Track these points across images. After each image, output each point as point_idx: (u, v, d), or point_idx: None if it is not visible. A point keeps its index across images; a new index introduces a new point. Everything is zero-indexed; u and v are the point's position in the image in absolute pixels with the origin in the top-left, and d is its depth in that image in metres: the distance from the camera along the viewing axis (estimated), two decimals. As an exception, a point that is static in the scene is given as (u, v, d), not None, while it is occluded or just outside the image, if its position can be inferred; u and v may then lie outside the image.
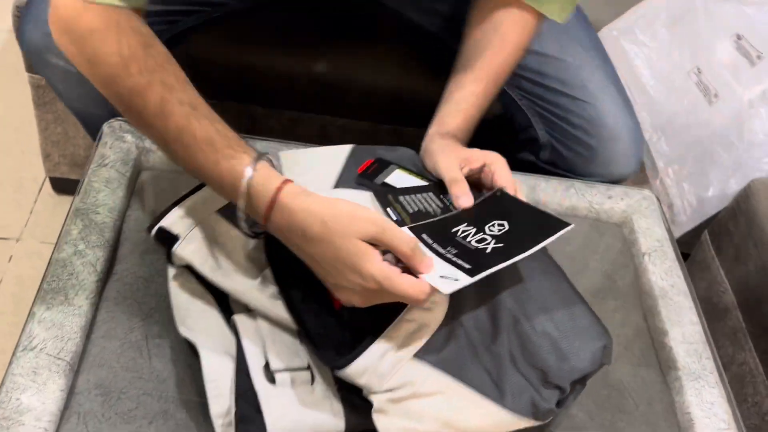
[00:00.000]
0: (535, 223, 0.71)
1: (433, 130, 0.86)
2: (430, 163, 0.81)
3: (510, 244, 0.66)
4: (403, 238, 0.61)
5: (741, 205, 1.15)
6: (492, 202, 0.75)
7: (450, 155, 0.80)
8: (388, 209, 0.74)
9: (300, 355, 0.69)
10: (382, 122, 1.24)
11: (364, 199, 0.75)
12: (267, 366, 0.67)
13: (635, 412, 0.79)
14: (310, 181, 0.70)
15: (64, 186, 1.44)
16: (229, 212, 0.72)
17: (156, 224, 0.72)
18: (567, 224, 0.69)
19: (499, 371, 0.67)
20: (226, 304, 0.73)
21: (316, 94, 1.19)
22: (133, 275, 0.79)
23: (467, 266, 0.63)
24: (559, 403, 0.69)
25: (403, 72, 1.17)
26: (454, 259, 0.65)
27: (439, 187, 0.80)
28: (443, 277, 0.62)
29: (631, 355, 0.84)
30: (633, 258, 0.96)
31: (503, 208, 0.74)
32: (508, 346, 0.68)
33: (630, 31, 1.37)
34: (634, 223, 0.98)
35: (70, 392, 0.68)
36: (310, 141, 0.92)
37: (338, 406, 0.66)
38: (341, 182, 0.79)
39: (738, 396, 1.09)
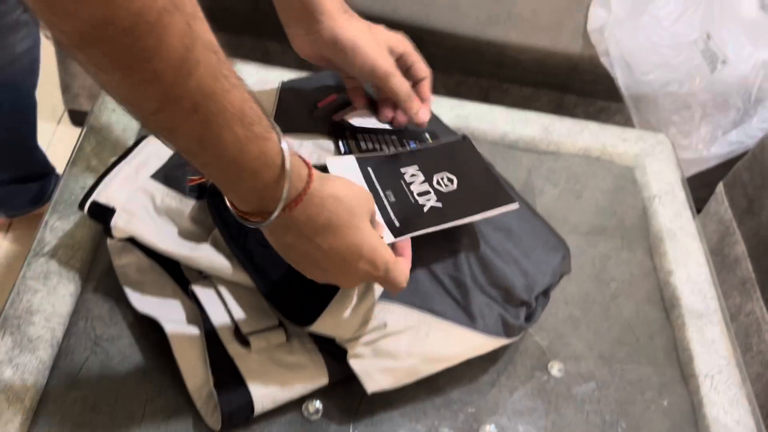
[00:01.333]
0: (482, 189, 0.68)
1: (333, 6, 0.67)
2: (356, 64, 0.66)
3: (449, 207, 0.65)
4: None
5: (757, 157, 1.14)
6: (451, 149, 0.72)
7: (379, 49, 0.66)
8: (340, 142, 0.72)
9: (269, 313, 0.66)
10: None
11: (313, 142, 0.72)
12: (237, 330, 0.64)
13: (635, 344, 0.79)
14: None
15: (83, 119, 1.45)
16: (164, 175, 0.68)
17: (88, 199, 0.65)
18: (513, 201, 0.67)
19: (465, 297, 0.67)
20: (178, 273, 0.68)
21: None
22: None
23: (396, 223, 0.62)
24: (528, 318, 0.70)
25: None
26: (389, 209, 0.63)
27: (398, 131, 0.75)
28: None
29: (635, 291, 0.84)
30: (643, 200, 0.95)
31: (460, 158, 0.71)
32: (470, 272, 0.68)
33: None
34: (647, 166, 0.98)
35: (80, 297, 0.70)
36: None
37: (318, 357, 0.65)
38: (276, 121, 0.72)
39: (743, 345, 1.09)
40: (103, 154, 0.81)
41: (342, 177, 0.56)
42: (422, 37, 1.20)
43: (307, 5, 0.65)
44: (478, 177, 0.69)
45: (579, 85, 1.25)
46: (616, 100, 1.25)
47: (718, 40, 1.15)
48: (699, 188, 1.30)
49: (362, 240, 0.54)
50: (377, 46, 0.66)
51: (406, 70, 0.71)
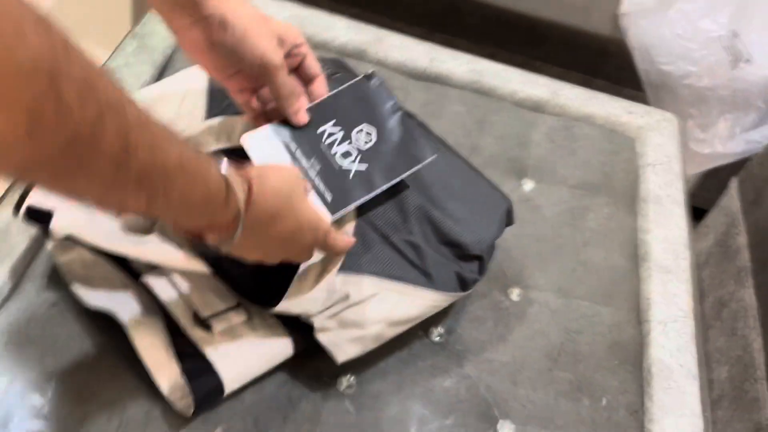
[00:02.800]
0: (402, 143, 0.68)
1: None
2: (246, 49, 0.62)
3: (374, 169, 0.66)
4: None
5: (772, 153, 1.15)
6: (364, 91, 0.70)
7: (270, 38, 0.63)
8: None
9: (226, 295, 0.67)
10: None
11: (237, 123, 0.72)
12: (196, 316, 0.65)
13: (596, 286, 0.83)
14: (182, 115, 0.70)
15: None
16: None
17: (22, 204, 0.64)
18: (432, 153, 0.68)
19: (421, 258, 0.70)
20: (127, 265, 0.68)
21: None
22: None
23: (328, 198, 0.65)
24: (480, 271, 0.73)
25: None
26: (317, 182, 0.65)
27: None
28: None
29: (608, 243, 0.88)
30: (637, 167, 0.99)
31: (373, 101, 0.69)
32: (422, 233, 0.71)
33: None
34: (648, 138, 1.01)
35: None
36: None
37: (281, 330, 0.67)
38: (212, 112, 0.74)
39: (729, 330, 1.10)
40: (142, 56, 0.91)
41: (270, 165, 0.59)
42: (457, 6, 1.27)
43: None
44: (395, 127, 0.69)
45: (608, 70, 1.29)
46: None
47: (746, 38, 1.17)
48: (713, 184, 1.32)
49: (302, 216, 0.58)
50: (268, 36, 0.63)
51: (297, 67, 0.68)
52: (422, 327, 0.75)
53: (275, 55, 0.63)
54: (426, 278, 0.69)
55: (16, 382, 0.63)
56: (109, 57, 0.91)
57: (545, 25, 1.26)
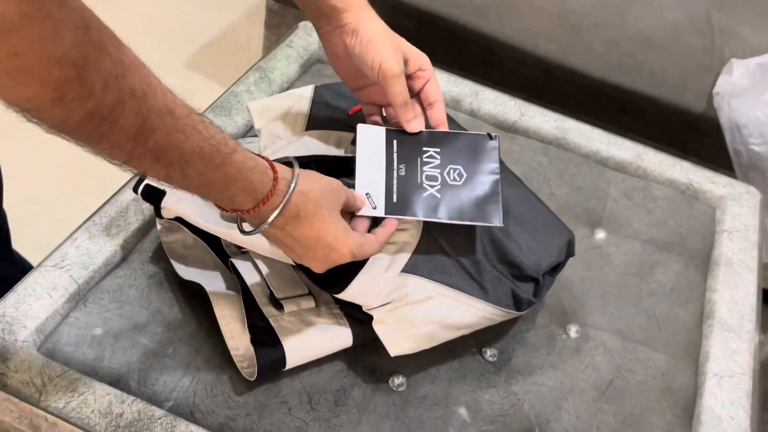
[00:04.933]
0: (481, 198, 0.73)
1: (358, 3, 0.72)
2: (368, 55, 0.69)
3: (444, 203, 0.71)
4: (351, 195, 0.68)
5: None
6: (476, 142, 0.75)
7: (394, 50, 0.70)
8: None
9: (299, 283, 0.75)
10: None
11: (336, 136, 0.81)
12: (272, 296, 0.73)
13: (656, 334, 0.85)
14: (282, 127, 0.79)
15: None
16: None
17: (142, 182, 0.73)
18: (500, 222, 0.72)
19: (479, 271, 0.74)
20: (220, 250, 0.78)
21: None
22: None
23: (394, 199, 0.70)
24: (536, 294, 0.77)
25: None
26: (393, 182, 0.71)
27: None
28: (368, 195, 0.70)
29: (674, 296, 0.90)
30: (714, 232, 1.00)
31: (479, 156, 0.74)
32: (483, 250, 0.75)
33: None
34: (728, 207, 1.03)
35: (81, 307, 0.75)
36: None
37: (344, 321, 0.74)
38: (310, 124, 0.83)
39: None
40: (262, 85, 1.03)
41: (312, 172, 0.64)
42: (555, 73, 1.35)
43: (333, 4, 0.71)
44: (485, 183, 0.73)
45: (698, 148, 1.31)
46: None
47: None
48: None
49: (327, 229, 0.62)
50: (392, 47, 0.70)
51: (420, 90, 0.74)
52: (476, 344, 0.79)
53: (394, 64, 0.69)
54: (482, 290, 0.74)
55: (111, 331, 0.73)
56: (235, 82, 1.04)
57: (640, 98, 1.31)
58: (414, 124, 0.72)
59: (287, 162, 0.64)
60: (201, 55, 1.96)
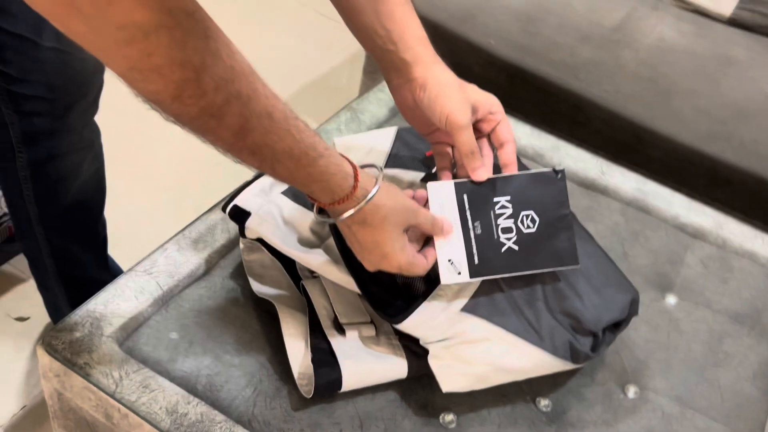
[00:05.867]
0: (556, 241, 0.75)
1: (427, 58, 0.77)
2: (436, 108, 0.74)
3: (523, 253, 0.74)
4: (428, 216, 0.71)
5: None
6: (543, 181, 0.76)
7: (461, 101, 0.74)
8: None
9: (363, 311, 0.79)
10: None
11: (412, 177, 0.86)
12: (336, 320, 0.78)
13: (718, 404, 0.83)
14: (363, 163, 0.80)
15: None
16: (293, 192, 0.83)
17: (230, 203, 0.81)
18: (577, 262, 0.75)
19: (538, 319, 0.76)
20: (294, 272, 0.84)
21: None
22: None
23: (476, 261, 0.73)
24: (594, 349, 0.77)
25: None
26: (473, 243, 0.73)
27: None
28: (450, 261, 0.72)
29: (741, 369, 0.88)
30: (793, 310, 0.97)
31: (548, 195, 0.76)
32: (543, 299, 0.77)
33: None
34: (812, 285, 1.00)
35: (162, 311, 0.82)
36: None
37: (401, 353, 0.76)
38: (390, 162, 0.89)
39: None
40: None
41: (392, 188, 0.69)
42: (642, 137, 1.35)
43: (404, 58, 0.76)
44: (557, 224, 0.76)
45: (788, 224, 1.27)
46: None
47: None
48: None
49: (385, 240, 0.68)
50: (460, 99, 0.74)
51: (491, 132, 0.78)
52: (531, 393, 0.80)
53: (460, 116, 0.73)
54: (538, 338, 0.75)
55: (187, 337, 0.79)
56: (327, 120, 1.10)
57: (728, 168, 1.28)
58: (480, 172, 0.74)
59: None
60: (302, 92, 2.07)
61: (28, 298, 1.39)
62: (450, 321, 0.74)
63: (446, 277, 0.72)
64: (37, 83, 0.95)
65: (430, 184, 0.75)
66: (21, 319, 1.38)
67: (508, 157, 0.77)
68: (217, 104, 0.54)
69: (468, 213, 0.74)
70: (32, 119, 0.98)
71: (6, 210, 1.35)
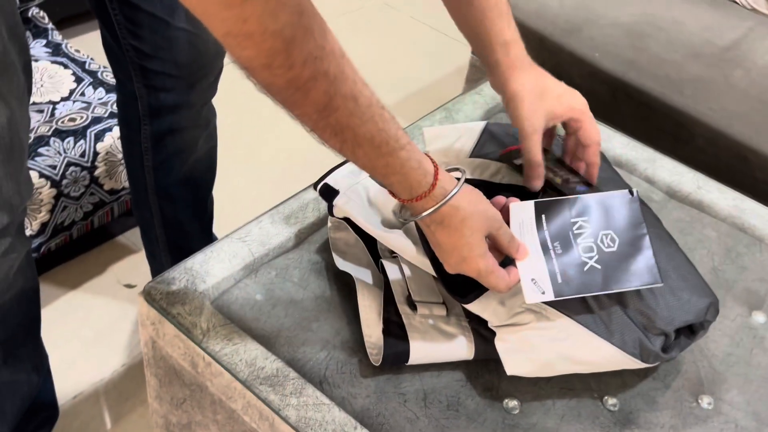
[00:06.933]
0: (636, 259, 0.75)
1: (514, 60, 0.81)
2: (510, 111, 0.79)
3: (604, 272, 0.74)
4: (507, 232, 0.73)
5: None
6: (619, 201, 0.78)
7: (533, 111, 0.78)
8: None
9: (436, 292, 0.82)
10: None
11: (491, 166, 0.89)
12: (409, 297, 0.81)
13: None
14: (450, 151, 0.86)
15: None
16: None
17: (321, 181, 0.86)
18: (660, 281, 0.75)
19: (609, 313, 0.76)
20: (375, 252, 0.87)
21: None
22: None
23: (559, 280, 0.73)
24: (665, 350, 0.76)
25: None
26: (555, 261, 0.74)
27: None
28: (534, 281, 0.73)
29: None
30: None
31: (623, 218, 0.77)
32: (616, 295, 0.76)
33: None
34: None
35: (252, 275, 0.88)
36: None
37: (469, 335, 0.78)
38: (475, 153, 0.92)
39: None
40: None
41: (474, 193, 0.71)
42: (747, 157, 1.31)
43: (493, 57, 0.82)
44: (637, 244, 0.76)
45: None
46: None
47: None
48: None
49: (463, 245, 0.69)
50: (532, 109, 0.78)
51: (575, 132, 0.81)
52: (599, 390, 0.80)
53: (528, 125, 0.78)
54: (608, 332, 0.75)
55: (271, 300, 0.84)
56: (421, 117, 1.14)
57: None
58: (533, 183, 0.80)
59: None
60: (406, 100, 2.13)
61: (137, 268, 1.51)
62: (519, 306, 0.75)
63: (530, 296, 0.73)
64: (166, 60, 1.04)
65: (512, 205, 0.78)
66: (129, 286, 1.50)
67: (591, 157, 0.81)
68: (303, 78, 0.57)
69: (546, 233, 0.76)
70: (159, 94, 1.08)
71: (125, 185, 1.47)
